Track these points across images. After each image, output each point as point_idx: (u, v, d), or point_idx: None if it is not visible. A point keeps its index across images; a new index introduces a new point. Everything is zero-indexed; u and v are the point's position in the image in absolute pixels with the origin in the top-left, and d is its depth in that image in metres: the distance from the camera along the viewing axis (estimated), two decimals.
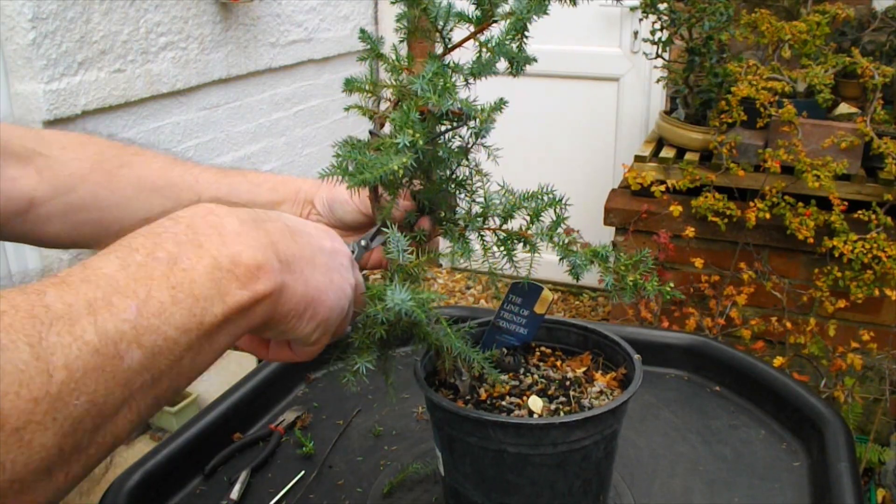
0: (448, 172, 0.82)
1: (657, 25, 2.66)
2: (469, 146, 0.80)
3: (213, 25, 2.85)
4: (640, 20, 2.99)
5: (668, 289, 0.79)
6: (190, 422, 1.13)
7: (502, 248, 0.81)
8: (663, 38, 2.66)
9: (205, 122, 2.93)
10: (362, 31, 0.79)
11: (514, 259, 0.81)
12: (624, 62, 3.50)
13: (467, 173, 0.82)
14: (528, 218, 0.80)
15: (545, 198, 0.80)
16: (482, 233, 0.83)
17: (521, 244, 0.81)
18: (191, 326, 0.49)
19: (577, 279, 0.80)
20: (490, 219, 0.82)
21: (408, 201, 0.83)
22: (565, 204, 0.79)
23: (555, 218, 0.79)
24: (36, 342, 0.41)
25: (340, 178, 0.69)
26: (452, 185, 0.82)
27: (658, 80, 3.04)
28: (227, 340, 0.53)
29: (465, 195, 0.83)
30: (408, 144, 0.67)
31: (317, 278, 0.61)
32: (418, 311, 0.68)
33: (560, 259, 0.78)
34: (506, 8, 0.74)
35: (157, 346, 0.46)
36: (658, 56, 2.70)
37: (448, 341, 0.78)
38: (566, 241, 0.78)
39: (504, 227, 0.82)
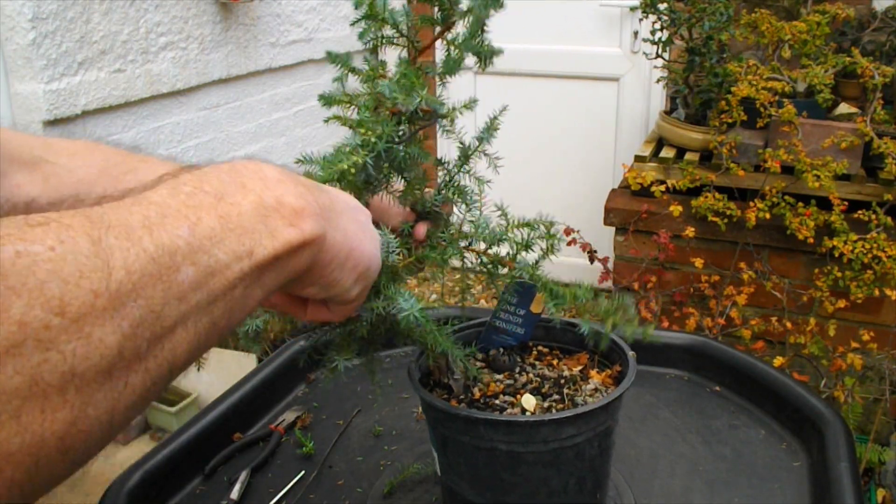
0: (447, 178, 0.82)
1: (657, 25, 2.66)
2: (469, 152, 0.80)
3: (213, 25, 2.85)
4: (640, 20, 2.99)
5: (648, 333, 0.79)
6: (190, 422, 1.13)
7: (484, 270, 0.82)
8: (663, 38, 2.66)
9: (205, 122, 2.93)
10: (329, 52, 0.80)
11: (493, 284, 0.82)
12: (624, 62, 3.50)
13: (466, 181, 0.83)
14: (515, 246, 0.80)
15: (541, 227, 0.80)
16: (465, 253, 0.83)
17: (504, 269, 0.81)
18: (241, 254, 0.50)
19: (552, 319, 0.80)
20: (477, 242, 0.83)
21: (402, 208, 0.83)
22: (559, 239, 0.80)
23: (542, 251, 0.79)
24: (96, 240, 0.41)
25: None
26: (451, 193, 0.83)
27: (658, 80, 3.04)
28: (274, 281, 0.54)
29: (462, 204, 0.83)
30: (359, 143, 0.68)
31: (353, 228, 0.62)
32: (424, 320, 0.69)
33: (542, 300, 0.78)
34: (464, 7, 0.75)
35: (209, 267, 0.47)
36: (658, 56, 2.70)
37: (433, 339, 0.78)
38: (545, 279, 0.78)
39: (489, 251, 0.82)
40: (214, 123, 2.97)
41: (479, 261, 0.82)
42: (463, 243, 0.82)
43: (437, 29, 0.77)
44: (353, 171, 0.67)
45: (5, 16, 2.23)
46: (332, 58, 0.80)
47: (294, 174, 0.59)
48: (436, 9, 0.76)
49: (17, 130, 2.43)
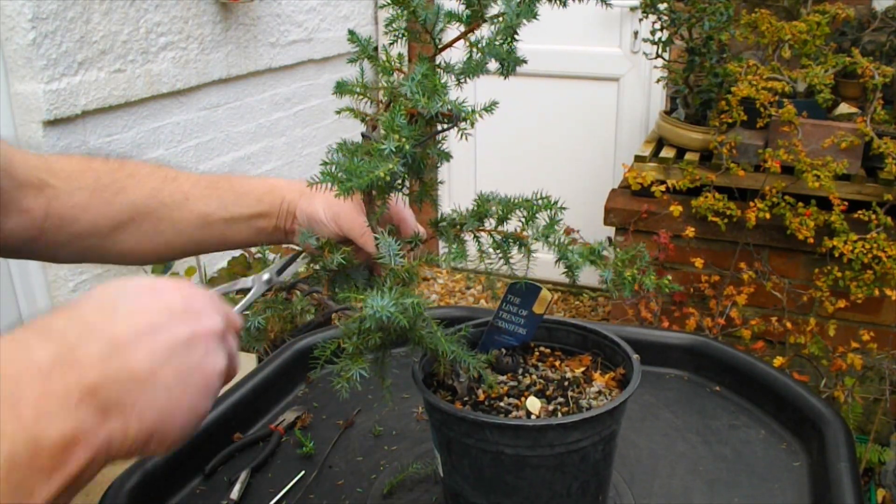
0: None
1: (657, 25, 2.66)
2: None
3: (213, 25, 2.85)
4: (640, 20, 2.99)
5: (667, 282, 0.79)
6: None
7: (498, 251, 0.81)
8: (663, 38, 2.66)
9: (205, 122, 2.93)
10: (351, 32, 0.79)
11: (511, 261, 0.81)
12: (624, 62, 3.50)
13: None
14: (523, 220, 0.80)
15: (540, 201, 0.80)
16: (478, 234, 0.83)
17: (517, 246, 0.81)
18: None
19: (574, 280, 0.80)
20: (486, 220, 0.82)
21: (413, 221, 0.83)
22: (560, 207, 0.79)
23: (549, 220, 0.79)
24: None
25: (330, 185, 0.69)
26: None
27: (658, 80, 3.04)
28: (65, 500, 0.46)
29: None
30: (394, 150, 0.67)
31: (160, 399, 0.51)
32: (400, 317, 0.68)
33: (556, 261, 0.78)
34: (495, 9, 0.74)
35: None
36: (658, 56, 2.70)
37: (441, 345, 0.78)
38: (565, 240, 0.78)
39: (500, 228, 0.82)
40: (214, 123, 2.97)
41: (491, 240, 0.82)
42: (474, 224, 0.82)
43: (462, 28, 0.76)
44: (388, 178, 0.67)
45: (5, 16, 2.23)
46: (352, 37, 0.80)
47: (72, 355, 0.47)
48: (463, 7, 0.75)
49: (17, 131, 2.41)
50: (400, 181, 0.79)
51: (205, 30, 2.82)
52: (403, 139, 0.67)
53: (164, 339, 0.52)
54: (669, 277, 0.80)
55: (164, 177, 0.91)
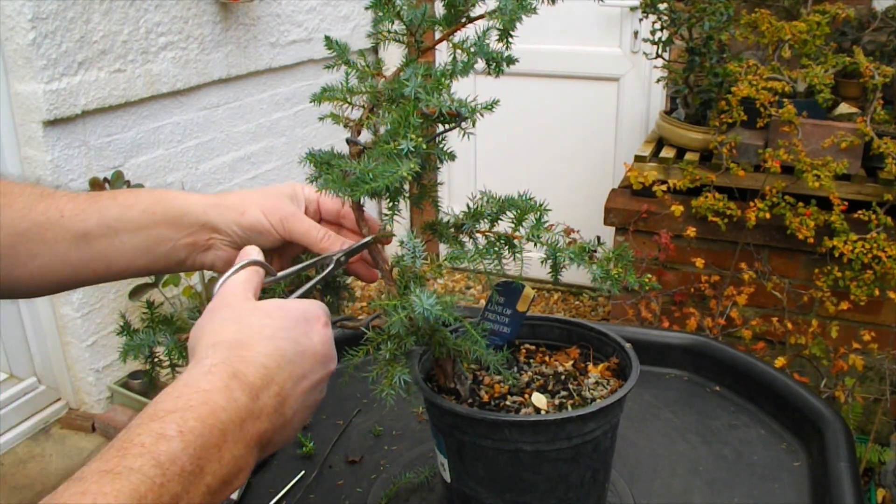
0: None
1: (657, 25, 2.66)
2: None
3: (213, 25, 2.85)
4: (640, 20, 2.99)
5: (647, 279, 0.80)
6: None
7: (492, 251, 0.81)
8: (663, 38, 2.66)
9: (205, 122, 2.93)
10: (327, 38, 0.78)
11: (504, 261, 0.81)
12: (624, 62, 3.50)
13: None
14: (514, 223, 0.80)
15: (526, 204, 0.80)
16: (474, 235, 0.83)
17: (508, 247, 0.81)
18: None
19: (556, 279, 0.80)
20: (482, 221, 0.82)
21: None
22: (545, 209, 0.80)
23: (535, 221, 0.79)
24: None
25: (337, 190, 0.69)
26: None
27: (658, 80, 3.04)
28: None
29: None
30: (412, 149, 0.67)
31: (290, 432, 0.67)
32: (446, 315, 0.68)
33: (543, 260, 0.78)
34: (479, 10, 0.74)
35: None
36: (658, 56, 2.70)
37: (466, 345, 0.78)
38: (554, 240, 0.78)
39: (493, 230, 0.82)
40: (214, 123, 2.97)
41: (486, 241, 0.81)
42: (470, 225, 0.81)
43: (443, 30, 0.75)
44: (410, 177, 0.66)
45: (5, 16, 2.23)
46: (329, 43, 0.79)
47: (251, 425, 0.61)
48: (444, 9, 0.74)
49: (17, 131, 2.42)
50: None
51: (205, 30, 2.82)
52: (420, 138, 0.67)
53: (307, 385, 0.67)
54: (649, 276, 0.81)
55: (38, 194, 0.81)
